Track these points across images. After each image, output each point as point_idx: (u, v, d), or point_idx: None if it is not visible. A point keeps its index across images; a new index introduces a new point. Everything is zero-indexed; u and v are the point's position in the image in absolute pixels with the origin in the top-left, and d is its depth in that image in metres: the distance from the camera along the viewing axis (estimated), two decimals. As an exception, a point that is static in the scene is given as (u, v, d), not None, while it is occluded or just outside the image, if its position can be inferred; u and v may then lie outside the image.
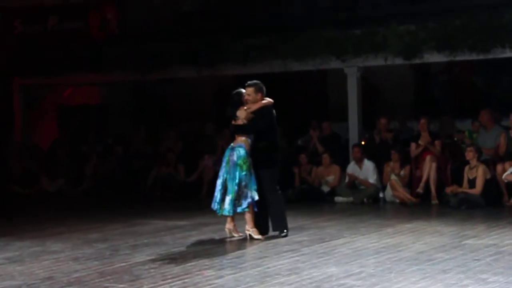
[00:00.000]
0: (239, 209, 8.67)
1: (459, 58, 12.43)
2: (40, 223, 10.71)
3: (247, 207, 8.65)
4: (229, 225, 8.85)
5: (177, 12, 15.55)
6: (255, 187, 8.66)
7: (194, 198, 13.56)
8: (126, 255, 7.90)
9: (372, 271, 6.84)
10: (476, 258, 7.28)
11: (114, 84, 16.57)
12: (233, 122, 8.83)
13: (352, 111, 13.42)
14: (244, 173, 8.62)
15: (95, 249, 8.36)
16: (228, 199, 8.67)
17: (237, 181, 8.61)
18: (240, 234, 8.83)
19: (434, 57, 12.62)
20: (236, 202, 8.63)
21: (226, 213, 8.72)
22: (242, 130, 8.77)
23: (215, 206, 8.82)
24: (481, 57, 12.25)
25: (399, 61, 12.84)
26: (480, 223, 9.72)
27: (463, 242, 8.17)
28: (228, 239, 8.78)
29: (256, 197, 8.64)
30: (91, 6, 16.23)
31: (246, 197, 8.63)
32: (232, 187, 8.64)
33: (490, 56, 12.17)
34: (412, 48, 12.51)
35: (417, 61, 12.76)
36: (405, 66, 13.97)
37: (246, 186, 8.63)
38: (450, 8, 12.61)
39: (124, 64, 15.00)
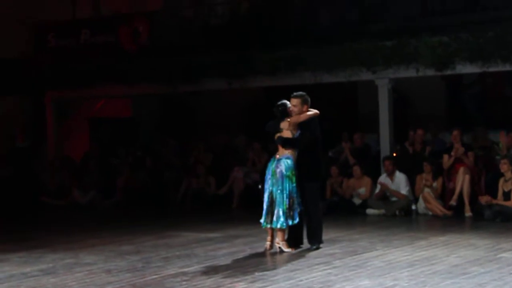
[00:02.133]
0: (290, 222, 8.60)
1: (492, 69, 12.30)
2: (73, 235, 10.78)
3: (299, 219, 8.60)
4: (279, 239, 8.67)
5: (207, 25, 15.63)
6: (299, 199, 8.63)
7: (224, 210, 13.56)
8: (158, 268, 7.91)
9: (405, 284, 6.76)
10: (513, 271, 7.17)
11: (145, 96, 16.68)
12: (278, 135, 8.77)
13: (383, 123, 13.34)
14: (294, 184, 8.59)
15: (127, 261, 8.38)
16: (279, 211, 8.57)
17: (287, 192, 8.57)
18: (292, 249, 8.65)
19: (466, 69, 12.50)
20: (287, 215, 8.57)
21: (278, 226, 8.59)
22: (290, 143, 8.69)
23: (263, 220, 8.70)
24: (514, 68, 12.12)
25: (430, 72, 12.73)
26: (516, 236, 9.57)
27: (498, 256, 8.05)
28: (269, 252, 8.65)
29: (299, 209, 8.60)
30: (122, 19, 16.39)
31: (296, 210, 8.59)
32: (282, 200, 8.56)
33: (524, 68, 12.04)
34: (444, 59, 12.41)
35: (449, 72, 12.64)
36: (437, 78, 13.86)
37: (296, 198, 8.59)
38: (483, 20, 12.49)
39: (155, 76, 15.10)
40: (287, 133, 8.72)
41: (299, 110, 8.74)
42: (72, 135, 17.71)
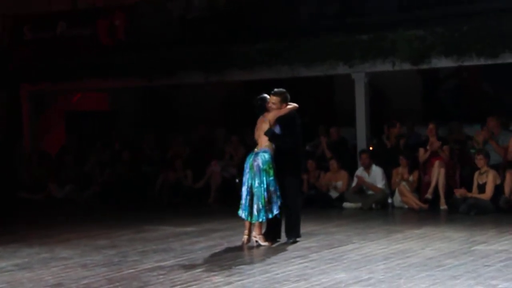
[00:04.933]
0: (270, 215, 8.62)
1: (467, 63, 12.39)
2: (49, 229, 10.72)
3: (279, 213, 8.62)
4: (256, 233, 8.70)
5: (185, 18, 15.58)
6: (278, 193, 8.65)
7: (202, 204, 13.56)
8: (135, 262, 7.90)
9: (381, 277, 6.82)
10: (487, 264, 7.25)
11: (122, 90, 16.61)
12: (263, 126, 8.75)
13: (360, 117, 13.39)
14: (271, 178, 8.59)
15: (103, 255, 8.36)
16: (258, 205, 8.59)
17: (265, 186, 8.57)
18: (269, 242, 8.67)
19: (442, 63, 12.57)
20: (266, 208, 8.59)
21: (259, 219, 8.61)
22: (277, 139, 8.67)
23: (242, 213, 8.73)
24: (489, 62, 12.21)
25: (406, 66, 12.79)
26: (490, 228, 9.66)
27: (473, 248, 8.13)
28: (246, 246, 8.69)
29: (279, 203, 8.62)
30: (99, 12, 16.29)
31: (276, 203, 8.61)
32: (261, 193, 8.57)
33: (499, 61, 12.12)
34: (420, 53, 12.48)
35: (425, 66, 12.71)
36: (413, 72, 13.93)
37: (274, 191, 8.61)
38: (458, 13, 12.58)
39: (132, 70, 15.04)
40: (266, 126, 8.74)
41: (277, 108, 8.76)
42: (48, 128, 17.58)
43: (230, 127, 15.42)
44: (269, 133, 8.69)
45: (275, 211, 8.62)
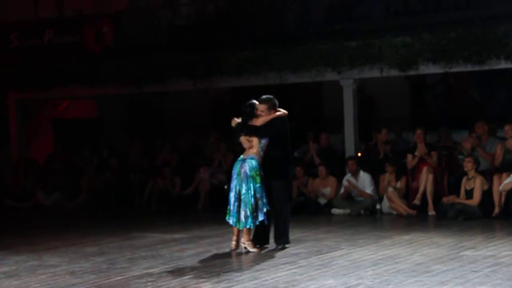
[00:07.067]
0: (257, 222, 8.63)
1: (455, 69, 12.47)
2: (37, 237, 10.67)
3: (265, 219, 8.63)
4: (244, 239, 8.71)
5: (172, 25, 15.59)
6: (265, 199, 8.66)
7: (190, 211, 13.54)
8: (123, 269, 7.88)
9: (370, 283, 6.82)
10: (474, 269, 7.27)
11: (110, 97, 16.57)
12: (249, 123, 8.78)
13: (348, 123, 13.43)
14: (258, 184, 8.61)
15: (91, 262, 8.33)
16: (246, 212, 8.60)
17: (252, 193, 8.59)
18: (257, 249, 8.68)
19: (429, 69, 12.65)
20: (254, 214, 8.60)
21: (247, 226, 8.63)
22: (255, 131, 8.67)
23: (230, 219, 8.73)
24: (476, 68, 12.29)
25: (394, 72, 12.86)
26: (477, 234, 9.70)
27: (461, 254, 8.16)
28: (234, 252, 8.68)
29: (265, 209, 8.63)
30: (86, 19, 16.27)
31: (262, 210, 8.62)
32: (248, 200, 8.59)
33: (485, 68, 12.21)
34: (408, 60, 12.54)
35: (412, 72, 12.78)
36: (401, 78, 13.99)
37: (260, 198, 8.62)
38: (446, 20, 12.66)
39: (120, 77, 15.01)
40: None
41: (266, 115, 8.77)
42: (36, 136, 17.50)
43: (219, 133, 15.41)
44: (247, 129, 8.64)
45: (261, 218, 8.63)
